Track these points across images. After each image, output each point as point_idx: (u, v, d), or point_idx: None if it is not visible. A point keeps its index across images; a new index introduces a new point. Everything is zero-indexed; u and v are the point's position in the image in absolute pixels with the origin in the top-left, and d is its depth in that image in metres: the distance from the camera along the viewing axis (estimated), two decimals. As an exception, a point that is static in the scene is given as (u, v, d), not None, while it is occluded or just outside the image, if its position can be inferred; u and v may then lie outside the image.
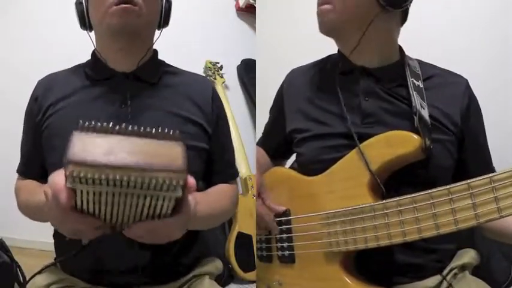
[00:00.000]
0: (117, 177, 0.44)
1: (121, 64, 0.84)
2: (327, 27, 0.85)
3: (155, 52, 0.90)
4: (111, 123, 0.48)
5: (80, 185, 0.46)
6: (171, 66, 0.93)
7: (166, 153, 0.47)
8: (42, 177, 0.82)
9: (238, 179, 0.99)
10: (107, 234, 0.57)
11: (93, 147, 0.45)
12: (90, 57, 0.89)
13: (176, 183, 0.47)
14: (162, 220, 0.54)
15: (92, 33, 0.86)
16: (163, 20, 0.86)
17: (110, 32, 0.79)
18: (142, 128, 0.48)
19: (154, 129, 0.48)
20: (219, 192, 0.88)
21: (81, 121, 0.47)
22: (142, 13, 0.78)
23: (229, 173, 0.93)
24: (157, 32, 0.89)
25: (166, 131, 0.49)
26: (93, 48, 0.87)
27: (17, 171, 0.89)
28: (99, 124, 0.47)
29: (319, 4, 0.84)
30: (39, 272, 0.75)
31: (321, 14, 0.84)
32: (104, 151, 0.45)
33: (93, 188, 0.46)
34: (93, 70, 0.86)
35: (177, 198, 0.50)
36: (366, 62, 0.85)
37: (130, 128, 0.48)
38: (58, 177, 0.48)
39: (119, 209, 0.51)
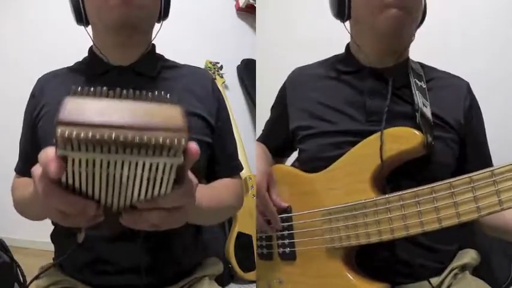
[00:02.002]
0: (113, 137, 0.40)
1: (119, 58, 0.82)
2: (398, 32, 0.81)
3: (153, 46, 0.89)
4: (105, 87, 0.44)
5: (71, 152, 0.41)
6: (170, 60, 0.91)
7: (165, 113, 0.44)
8: None
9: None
10: (102, 224, 0.51)
11: (86, 109, 0.42)
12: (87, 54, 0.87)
13: (178, 143, 0.42)
14: (163, 198, 0.48)
15: (89, 28, 0.83)
16: (164, 12, 0.83)
17: (109, 26, 0.76)
18: (137, 91, 0.45)
19: (150, 93, 0.45)
20: (223, 186, 0.86)
21: (73, 86, 0.43)
22: (142, 5, 0.75)
23: (233, 166, 0.91)
24: (157, 26, 0.87)
25: (163, 94, 0.46)
26: (91, 44, 0.85)
27: (15, 169, 0.88)
28: (92, 88, 0.44)
29: (392, 6, 0.77)
30: (37, 277, 0.74)
31: (400, 18, 0.78)
32: (98, 111, 0.41)
33: (86, 156, 0.42)
34: (90, 66, 0.84)
35: (179, 167, 0.45)
36: (374, 62, 0.86)
37: (125, 91, 0.44)
38: (48, 150, 0.44)
39: (114, 186, 0.46)
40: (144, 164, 0.44)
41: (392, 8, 0.76)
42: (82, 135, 0.40)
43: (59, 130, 0.40)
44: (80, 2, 0.79)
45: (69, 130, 0.40)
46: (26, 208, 0.78)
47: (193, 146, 0.46)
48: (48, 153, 0.44)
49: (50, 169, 0.43)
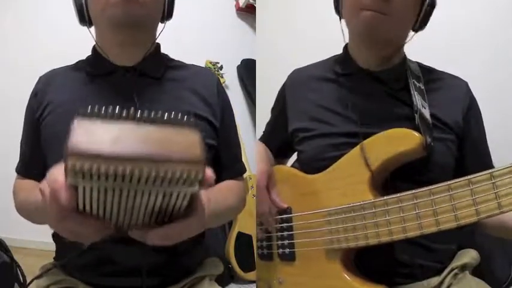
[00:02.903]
0: (127, 171, 0.37)
1: (123, 58, 0.81)
2: (373, 34, 0.80)
3: (158, 46, 0.88)
4: (118, 107, 0.41)
5: (82, 180, 0.39)
6: (174, 60, 0.90)
7: (182, 141, 0.41)
8: (42, 177, 0.81)
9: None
10: (110, 236, 0.52)
11: (97, 135, 0.38)
12: (90, 53, 0.87)
13: (195, 176, 0.40)
14: (179, 223, 0.47)
15: (92, 29, 0.83)
16: (167, 12, 0.83)
17: (112, 24, 0.76)
18: (153, 112, 0.42)
19: (167, 114, 0.42)
20: (227, 188, 0.86)
21: (81, 108, 0.40)
22: (146, 3, 0.75)
23: (236, 168, 0.91)
24: (160, 26, 0.87)
25: (180, 116, 0.43)
26: (94, 43, 0.85)
27: (16, 170, 0.87)
28: (104, 109, 0.40)
29: (368, 8, 0.77)
30: (38, 277, 0.74)
31: (374, 20, 0.78)
32: (111, 140, 0.38)
33: (98, 184, 0.39)
34: (93, 66, 0.84)
35: (193, 194, 0.44)
36: (371, 65, 0.86)
37: (139, 113, 0.41)
38: (57, 173, 0.42)
39: (126, 208, 0.45)
40: (157, 193, 0.42)
41: (367, 10, 0.76)
42: (94, 168, 0.37)
43: (70, 162, 0.38)
44: (83, 1, 0.79)
45: (80, 162, 0.37)
46: (31, 214, 0.77)
47: (209, 173, 0.43)
48: (58, 179, 0.42)
49: (60, 197, 0.42)
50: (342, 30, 0.88)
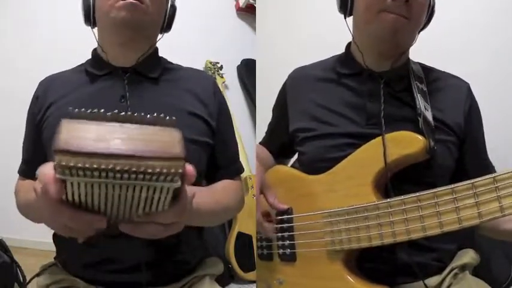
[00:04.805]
0: (110, 167, 0.41)
1: (121, 59, 0.84)
2: (394, 37, 0.79)
3: (156, 49, 0.91)
4: (102, 109, 0.44)
5: (70, 175, 0.42)
6: (172, 63, 0.93)
7: (163, 139, 0.44)
8: None
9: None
10: (102, 232, 0.53)
11: (83, 134, 0.42)
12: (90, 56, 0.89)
13: (174, 172, 0.43)
14: (159, 214, 0.50)
15: (95, 30, 0.86)
16: (167, 24, 0.87)
17: (115, 24, 0.79)
18: (136, 113, 0.45)
19: (149, 115, 0.45)
20: (224, 188, 0.86)
21: (70, 108, 0.44)
22: (149, 11, 0.79)
23: (234, 168, 0.91)
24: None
25: (162, 115, 0.46)
26: (95, 45, 0.88)
27: (18, 171, 0.89)
28: (89, 110, 0.44)
29: (390, 11, 0.77)
30: (38, 274, 0.74)
31: (398, 24, 0.77)
32: (95, 138, 0.42)
33: (84, 180, 0.42)
34: (93, 66, 0.86)
35: (176, 189, 0.46)
36: (374, 65, 0.85)
37: (123, 113, 0.45)
38: (47, 168, 0.45)
39: (113, 202, 0.47)
40: (141, 188, 0.44)
41: (390, 13, 0.76)
42: (79, 164, 0.40)
43: (57, 158, 0.41)
44: (91, 2, 0.82)
45: (66, 159, 0.40)
46: (31, 212, 0.79)
47: (190, 169, 0.46)
48: (47, 173, 0.44)
49: (50, 190, 0.44)
50: (349, 28, 0.88)
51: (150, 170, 0.42)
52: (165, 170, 0.42)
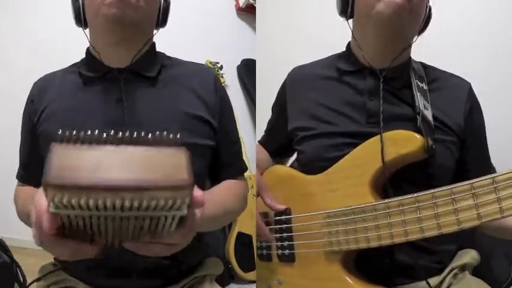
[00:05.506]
0: (108, 202, 0.36)
1: (116, 60, 0.80)
2: (398, 21, 0.78)
3: (153, 45, 0.87)
4: (97, 130, 0.39)
5: (64, 210, 0.38)
6: (172, 58, 0.89)
7: (167, 164, 0.39)
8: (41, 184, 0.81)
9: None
10: (104, 249, 0.51)
11: (77, 162, 0.37)
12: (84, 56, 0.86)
13: (181, 202, 0.39)
14: (165, 236, 0.46)
15: (87, 31, 0.83)
16: (161, 19, 0.84)
17: (106, 23, 0.76)
18: (135, 133, 0.40)
19: (150, 135, 0.40)
20: (227, 190, 0.85)
21: (60, 130, 0.39)
22: (139, 6, 0.75)
23: (237, 167, 0.90)
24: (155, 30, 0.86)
25: (165, 134, 0.41)
26: (88, 46, 0.84)
27: (16, 177, 0.87)
28: (82, 133, 0.39)
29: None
30: (39, 279, 0.73)
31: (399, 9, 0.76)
32: (91, 167, 0.37)
33: (81, 213, 0.38)
34: (87, 68, 0.83)
35: (182, 216, 0.42)
36: (376, 62, 0.85)
37: (121, 134, 0.40)
38: (40, 198, 0.41)
39: (114, 230, 0.43)
40: (144, 218, 0.41)
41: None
42: (73, 201, 0.36)
43: (49, 193, 0.36)
44: (80, 3, 0.79)
45: (60, 195, 0.36)
46: (27, 222, 0.77)
47: (198, 195, 0.42)
48: (41, 204, 0.41)
49: (43, 223, 0.41)
50: (350, 27, 0.87)
51: (154, 202, 0.37)
52: (170, 202, 0.38)
